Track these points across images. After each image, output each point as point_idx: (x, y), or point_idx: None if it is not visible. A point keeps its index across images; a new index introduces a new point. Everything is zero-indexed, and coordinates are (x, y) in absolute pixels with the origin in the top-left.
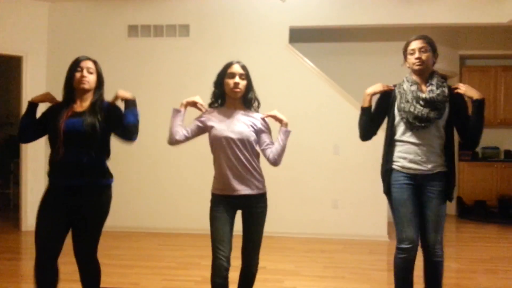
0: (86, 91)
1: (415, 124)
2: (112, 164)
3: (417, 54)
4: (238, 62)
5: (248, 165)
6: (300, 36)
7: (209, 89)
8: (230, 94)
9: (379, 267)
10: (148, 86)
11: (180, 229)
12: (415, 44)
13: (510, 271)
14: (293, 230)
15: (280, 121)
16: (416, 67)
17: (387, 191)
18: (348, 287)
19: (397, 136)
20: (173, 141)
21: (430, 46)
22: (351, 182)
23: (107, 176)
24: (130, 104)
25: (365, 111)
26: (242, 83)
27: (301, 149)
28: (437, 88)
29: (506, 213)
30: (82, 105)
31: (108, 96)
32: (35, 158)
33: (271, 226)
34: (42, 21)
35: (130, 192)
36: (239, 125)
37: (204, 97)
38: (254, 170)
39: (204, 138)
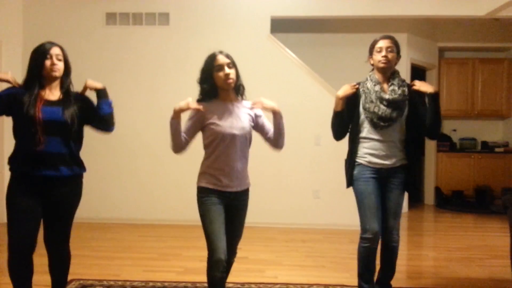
0: (55, 78)
1: (379, 123)
2: (91, 155)
3: (383, 53)
4: (221, 52)
5: (245, 161)
6: (281, 26)
7: (190, 78)
8: (223, 86)
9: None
10: (126, 75)
11: (160, 220)
12: (383, 43)
13: (485, 259)
14: (274, 220)
15: (269, 109)
16: (381, 65)
17: (351, 183)
18: (329, 276)
19: (363, 134)
20: (179, 151)
21: (396, 47)
22: (332, 173)
23: (82, 166)
24: (102, 94)
25: (338, 114)
26: (232, 73)
27: None
28: (398, 88)
29: (482, 203)
30: (53, 93)
31: (78, 85)
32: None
33: (252, 216)
34: (17, 8)
35: (109, 183)
36: (241, 120)
37: (184, 88)
38: (247, 165)
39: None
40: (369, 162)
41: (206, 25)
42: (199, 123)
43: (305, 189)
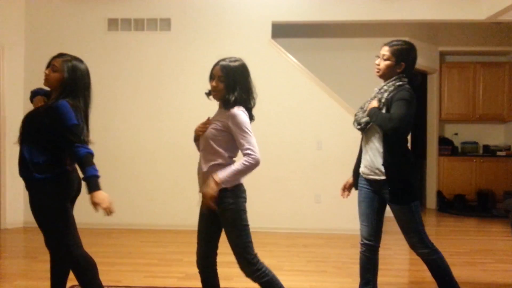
0: (51, 88)
1: (356, 127)
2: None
3: (377, 61)
4: (222, 61)
5: (211, 165)
6: (282, 31)
7: (191, 84)
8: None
9: None
10: (128, 81)
11: (161, 225)
12: (381, 50)
13: (488, 263)
14: (275, 225)
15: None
16: (375, 73)
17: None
18: (331, 281)
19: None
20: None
21: (394, 55)
22: (334, 177)
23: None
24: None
25: None
26: (216, 86)
27: (284, 144)
28: (378, 93)
29: (484, 206)
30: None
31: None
32: (14, 155)
33: (253, 221)
34: (20, 13)
35: (110, 188)
36: (212, 124)
37: (186, 93)
38: (215, 169)
39: (184, 133)
40: (362, 173)
41: (208, 30)
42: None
43: (306, 193)
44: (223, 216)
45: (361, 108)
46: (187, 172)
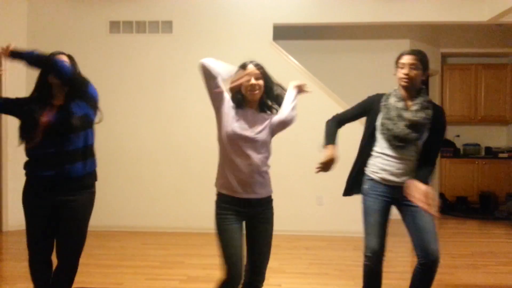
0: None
1: (394, 143)
2: None
3: (405, 70)
4: (251, 62)
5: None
6: (284, 33)
7: (193, 86)
8: (248, 96)
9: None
10: (129, 83)
11: (163, 228)
12: (406, 59)
13: (490, 265)
14: (277, 227)
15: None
16: (403, 83)
17: (348, 193)
18: (333, 284)
19: (378, 149)
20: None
21: (422, 63)
22: (336, 179)
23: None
24: None
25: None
26: (259, 84)
27: (286, 146)
28: (421, 109)
29: (486, 209)
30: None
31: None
32: (15, 157)
33: None
34: (22, 16)
35: (112, 191)
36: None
37: (187, 95)
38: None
39: (186, 135)
40: (383, 179)
41: (209, 32)
42: None
43: (308, 195)
44: (267, 226)
45: (390, 119)
46: (189, 175)
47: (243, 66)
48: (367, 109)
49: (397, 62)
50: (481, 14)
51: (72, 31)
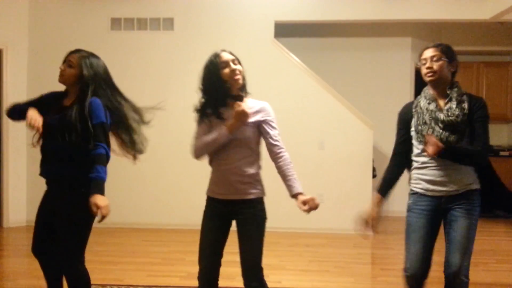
0: (65, 84)
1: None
2: None
3: (428, 64)
4: (223, 50)
5: None
6: (285, 31)
7: (194, 83)
8: (232, 83)
9: (363, 261)
10: (131, 80)
11: (164, 224)
12: (427, 53)
13: (491, 263)
14: (277, 225)
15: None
16: (428, 78)
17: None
18: (333, 281)
19: (417, 158)
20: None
21: (445, 54)
22: (336, 177)
23: None
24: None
25: None
26: (239, 69)
27: (286, 144)
28: (456, 106)
29: (487, 207)
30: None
31: None
32: (16, 154)
33: None
34: (23, 13)
35: (113, 187)
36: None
37: (189, 92)
38: None
39: (188, 133)
40: (426, 190)
41: (210, 30)
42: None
43: (309, 193)
44: (250, 227)
45: (425, 124)
46: (190, 172)
47: (216, 56)
48: (405, 122)
49: (419, 61)
50: (483, 12)
51: (73, 28)
